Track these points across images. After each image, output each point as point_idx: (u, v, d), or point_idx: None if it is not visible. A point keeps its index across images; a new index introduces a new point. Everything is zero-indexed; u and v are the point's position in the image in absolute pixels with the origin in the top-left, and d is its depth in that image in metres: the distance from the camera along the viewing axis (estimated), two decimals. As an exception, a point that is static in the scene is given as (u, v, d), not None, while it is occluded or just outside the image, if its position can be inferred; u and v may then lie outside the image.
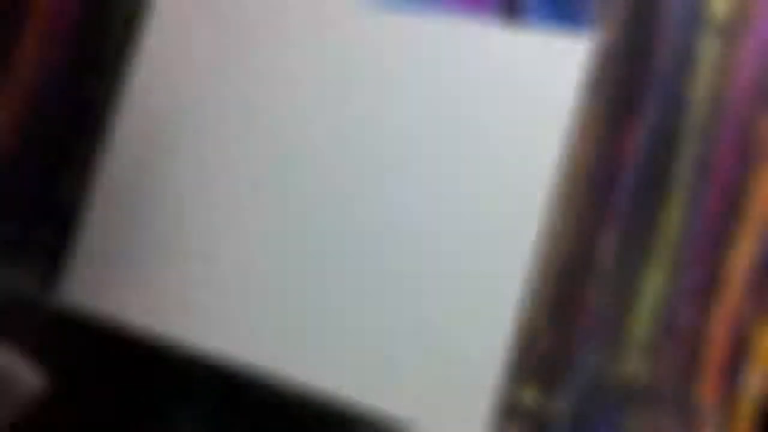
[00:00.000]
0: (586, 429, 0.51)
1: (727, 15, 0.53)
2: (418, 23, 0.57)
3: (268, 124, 0.60)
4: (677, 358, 0.50)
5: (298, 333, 0.56)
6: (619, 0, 0.55)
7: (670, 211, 0.52)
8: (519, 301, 0.51)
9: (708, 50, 0.53)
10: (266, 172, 0.60)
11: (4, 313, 0.68)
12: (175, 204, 0.62)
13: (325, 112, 0.59)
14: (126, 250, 0.63)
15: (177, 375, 0.64)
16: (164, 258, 0.61)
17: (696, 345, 0.50)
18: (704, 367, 0.50)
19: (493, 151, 0.54)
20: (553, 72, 0.53)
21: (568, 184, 0.54)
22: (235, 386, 0.59)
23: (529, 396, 0.53)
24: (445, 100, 0.56)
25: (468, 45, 0.56)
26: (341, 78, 0.59)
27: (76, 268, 0.65)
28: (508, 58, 0.55)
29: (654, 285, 0.51)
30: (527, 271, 0.52)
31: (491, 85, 0.54)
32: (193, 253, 0.60)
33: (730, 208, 0.51)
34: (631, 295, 0.52)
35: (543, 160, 0.52)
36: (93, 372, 0.69)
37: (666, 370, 0.50)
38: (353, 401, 0.55)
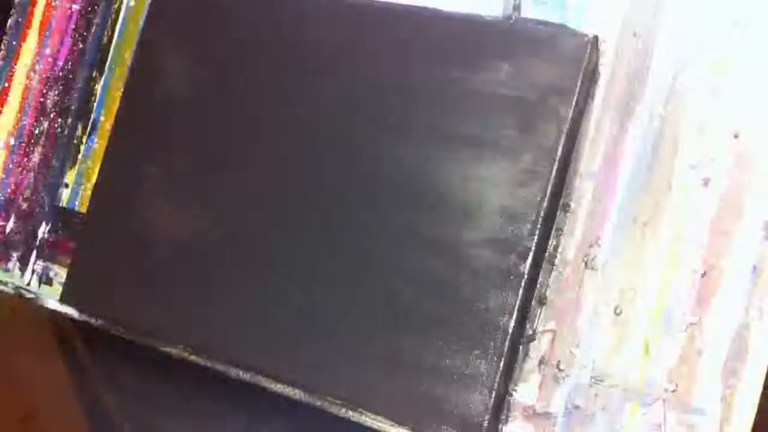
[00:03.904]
0: (586, 429, 0.51)
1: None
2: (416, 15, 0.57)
3: (275, 125, 0.60)
4: (676, 357, 0.50)
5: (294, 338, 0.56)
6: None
7: (668, 210, 0.52)
8: (518, 300, 0.51)
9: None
10: (271, 169, 0.59)
11: None
12: (177, 201, 0.62)
13: (321, 107, 0.58)
14: (127, 251, 0.63)
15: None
16: (165, 261, 0.61)
17: (695, 344, 0.50)
18: (703, 366, 0.50)
19: (491, 149, 0.54)
20: (552, 69, 0.53)
21: (567, 184, 0.54)
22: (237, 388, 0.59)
23: (529, 395, 0.53)
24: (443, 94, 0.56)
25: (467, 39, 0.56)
26: (335, 72, 0.58)
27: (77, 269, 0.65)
28: (508, 54, 0.54)
29: (653, 284, 0.51)
30: (527, 269, 0.52)
31: (491, 82, 0.54)
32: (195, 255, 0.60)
33: (729, 205, 0.51)
34: (630, 293, 0.52)
35: (543, 159, 0.52)
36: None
37: (664, 369, 0.50)
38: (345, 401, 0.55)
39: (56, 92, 0.71)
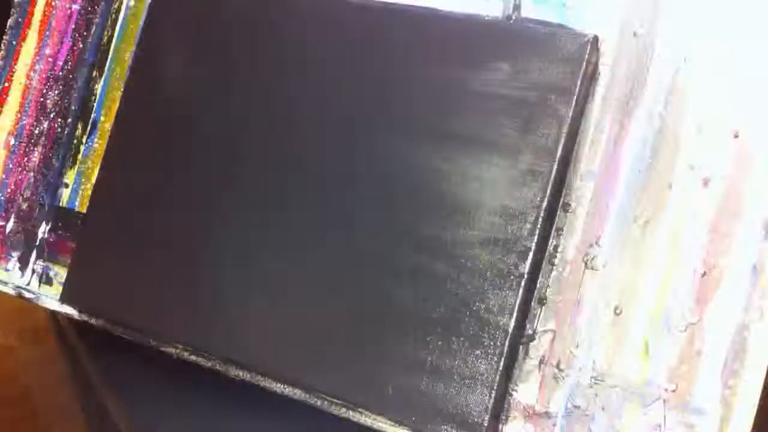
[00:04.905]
0: (585, 428, 0.51)
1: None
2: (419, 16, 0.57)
3: (276, 125, 0.60)
4: (676, 357, 0.50)
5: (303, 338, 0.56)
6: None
7: (668, 210, 0.52)
8: (518, 299, 0.51)
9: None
10: (272, 171, 0.59)
11: None
12: (176, 202, 0.62)
13: (321, 107, 0.58)
14: (126, 251, 0.63)
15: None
16: (165, 258, 0.61)
17: (695, 344, 0.50)
18: (703, 366, 0.49)
19: (491, 149, 0.54)
20: (553, 69, 0.53)
21: (567, 183, 0.54)
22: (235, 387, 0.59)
23: (528, 395, 0.53)
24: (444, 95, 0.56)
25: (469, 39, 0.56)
26: (335, 72, 0.59)
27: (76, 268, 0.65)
28: (508, 54, 0.54)
29: (653, 283, 0.51)
30: (527, 269, 0.52)
31: (491, 82, 0.54)
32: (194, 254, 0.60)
33: (729, 205, 0.51)
34: (630, 293, 0.52)
35: (543, 159, 0.52)
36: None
37: (664, 369, 0.50)
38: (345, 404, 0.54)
39: (56, 92, 0.71)
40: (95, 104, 0.69)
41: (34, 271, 0.68)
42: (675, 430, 0.49)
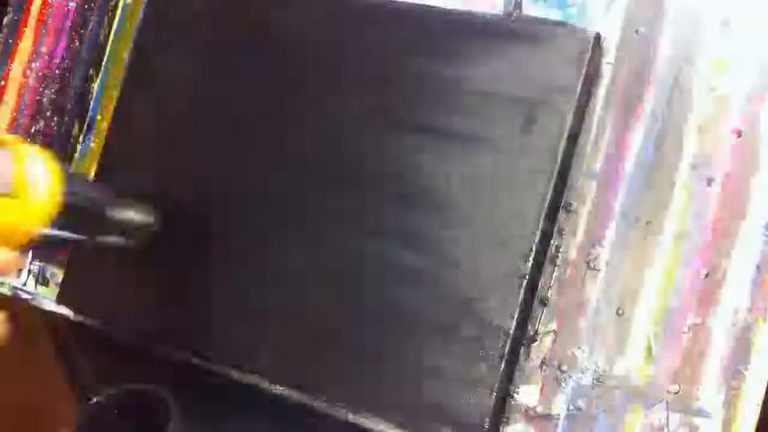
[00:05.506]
0: (587, 431, 0.51)
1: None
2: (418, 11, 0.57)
3: (275, 124, 0.60)
4: (679, 358, 0.50)
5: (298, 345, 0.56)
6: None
7: (671, 210, 0.51)
8: (519, 300, 0.51)
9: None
10: (271, 168, 0.59)
11: None
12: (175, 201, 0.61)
13: (321, 106, 0.58)
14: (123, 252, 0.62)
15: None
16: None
17: (698, 345, 0.50)
18: (706, 368, 0.49)
19: (492, 148, 0.53)
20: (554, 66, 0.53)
21: (569, 183, 0.54)
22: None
23: (530, 396, 0.52)
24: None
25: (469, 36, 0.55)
26: (336, 70, 0.58)
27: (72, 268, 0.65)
28: (509, 52, 0.54)
29: (655, 284, 0.51)
30: (528, 270, 0.51)
31: (492, 79, 0.54)
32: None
33: (732, 205, 0.50)
34: (632, 294, 0.51)
35: (544, 157, 0.52)
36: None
37: (667, 370, 0.50)
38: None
39: (52, 91, 0.70)
40: (92, 103, 0.69)
41: (30, 271, 0.68)
42: (677, 431, 0.49)
